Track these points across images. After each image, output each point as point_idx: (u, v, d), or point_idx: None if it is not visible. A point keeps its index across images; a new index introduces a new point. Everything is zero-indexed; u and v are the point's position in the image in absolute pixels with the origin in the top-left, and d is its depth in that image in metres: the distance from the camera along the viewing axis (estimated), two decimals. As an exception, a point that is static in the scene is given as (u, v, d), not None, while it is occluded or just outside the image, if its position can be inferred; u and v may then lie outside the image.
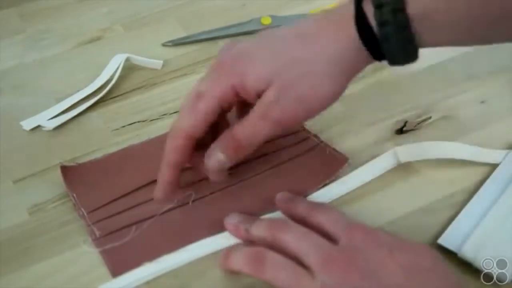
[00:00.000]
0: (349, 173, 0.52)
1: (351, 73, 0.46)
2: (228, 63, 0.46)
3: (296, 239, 0.43)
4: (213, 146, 0.47)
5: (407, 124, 0.56)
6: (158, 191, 0.48)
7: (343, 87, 0.46)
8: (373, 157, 0.53)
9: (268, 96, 0.44)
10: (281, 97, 0.44)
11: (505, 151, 0.53)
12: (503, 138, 0.55)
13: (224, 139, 0.46)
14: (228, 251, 0.46)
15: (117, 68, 0.61)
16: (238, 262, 0.45)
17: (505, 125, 0.56)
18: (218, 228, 0.48)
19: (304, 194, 0.50)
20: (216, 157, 0.47)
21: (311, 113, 0.46)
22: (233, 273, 0.46)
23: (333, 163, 0.53)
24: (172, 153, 0.46)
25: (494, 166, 0.52)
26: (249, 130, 0.45)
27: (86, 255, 0.47)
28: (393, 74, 0.61)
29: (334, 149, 0.54)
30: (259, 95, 0.45)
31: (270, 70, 0.44)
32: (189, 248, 0.47)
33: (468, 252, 0.45)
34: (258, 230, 0.46)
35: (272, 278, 0.42)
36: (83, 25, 0.67)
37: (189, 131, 0.46)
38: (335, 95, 0.46)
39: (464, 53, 0.63)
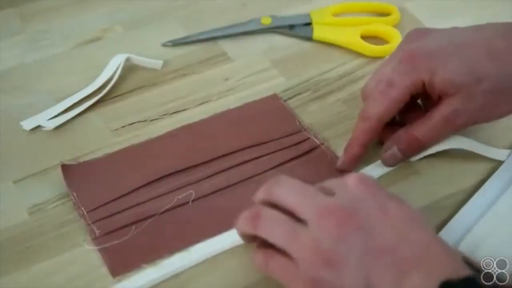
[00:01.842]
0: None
1: None
2: (420, 58, 0.49)
3: (289, 192, 0.43)
4: (391, 140, 0.51)
5: (407, 124, 0.56)
6: (344, 163, 0.52)
7: None
8: (373, 157, 0.53)
9: (456, 103, 0.48)
10: (467, 106, 0.48)
11: (508, 150, 0.53)
12: (504, 138, 0.55)
13: (402, 137, 0.51)
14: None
15: (117, 68, 0.61)
16: (241, 224, 0.44)
17: (506, 124, 0.56)
18: (218, 228, 0.48)
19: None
20: (393, 151, 0.51)
21: (487, 121, 0.52)
22: (233, 273, 0.46)
23: (333, 163, 0.53)
24: (362, 134, 0.51)
25: (494, 166, 0.53)
26: (431, 132, 0.50)
27: (86, 255, 0.47)
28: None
29: (335, 155, 0.54)
30: (440, 95, 0.49)
31: (460, 80, 0.48)
32: (191, 250, 0.47)
33: (465, 251, 0.45)
34: (259, 194, 0.45)
35: (267, 234, 0.42)
36: (83, 25, 0.67)
37: (380, 116, 0.50)
38: (510, 112, 0.51)
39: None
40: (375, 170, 0.52)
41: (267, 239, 0.42)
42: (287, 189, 0.43)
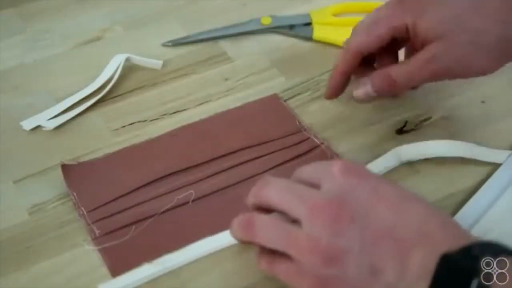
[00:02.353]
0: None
1: (509, 58, 0.51)
2: (409, 1, 0.51)
3: (277, 193, 0.43)
4: (365, 78, 0.53)
5: (407, 124, 0.56)
6: (328, 93, 0.56)
7: (498, 67, 0.51)
8: (374, 157, 0.53)
9: (435, 49, 0.49)
10: (446, 53, 0.49)
11: (507, 151, 0.53)
12: (504, 138, 0.55)
13: (378, 75, 0.52)
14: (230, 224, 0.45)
15: (117, 68, 0.61)
16: (236, 232, 0.44)
17: (506, 124, 0.56)
18: (218, 227, 0.48)
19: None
20: (365, 88, 0.53)
21: (464, 76, 0.52)
22: (233, 273, 0.46)
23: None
24: (342, 62, 0.53)
25: (494, 166, 0.53)
26: (406, 73, 0.51)
27: (86, 255, 0.47)
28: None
29: (335, 155, 0.54)
30: (423, 42, 0.50)
31: (442, 27, 0.49)
32: (189, 248, 0.47)
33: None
34: (250, 198, 0.45)
35: (264, 241, 0.42)
36: (83, 25, 0.67)
37: (360, 47, 0.52)
38: (488, 71, 0.51)
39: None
40: (373, 170, 0.52)
41: (265, 245, 0.42)
42: (274, 191, 0.43)
